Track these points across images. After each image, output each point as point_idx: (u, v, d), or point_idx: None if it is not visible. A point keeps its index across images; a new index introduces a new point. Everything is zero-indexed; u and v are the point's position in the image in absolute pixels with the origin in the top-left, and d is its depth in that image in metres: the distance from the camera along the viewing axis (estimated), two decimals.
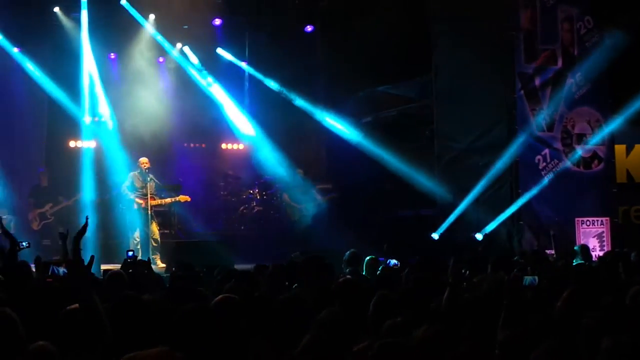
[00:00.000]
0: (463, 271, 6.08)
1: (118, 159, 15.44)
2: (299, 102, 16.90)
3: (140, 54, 16.15)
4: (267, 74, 17.15)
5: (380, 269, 8.63)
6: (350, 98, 16.96)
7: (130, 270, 7.35)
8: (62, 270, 4.38)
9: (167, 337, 4.38)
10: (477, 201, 13.74)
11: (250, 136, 17.13)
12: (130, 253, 8.24)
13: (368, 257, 9.00)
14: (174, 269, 9.85)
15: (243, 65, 17.42)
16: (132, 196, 13.90)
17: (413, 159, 15.00)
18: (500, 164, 13.53)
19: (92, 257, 3.71)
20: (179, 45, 16.82)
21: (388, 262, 9.38)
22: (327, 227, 15.74)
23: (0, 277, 5.90)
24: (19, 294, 5.65)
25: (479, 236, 13.56)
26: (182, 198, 14.39)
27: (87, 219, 3.72)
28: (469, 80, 13.85)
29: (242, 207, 17.05)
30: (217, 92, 17.11)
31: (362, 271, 8.56)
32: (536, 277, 5.66)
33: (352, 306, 5.32)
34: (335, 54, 16.64)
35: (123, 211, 14.21)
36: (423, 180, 14.63)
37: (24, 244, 7.89)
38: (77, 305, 3.61)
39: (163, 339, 4.46)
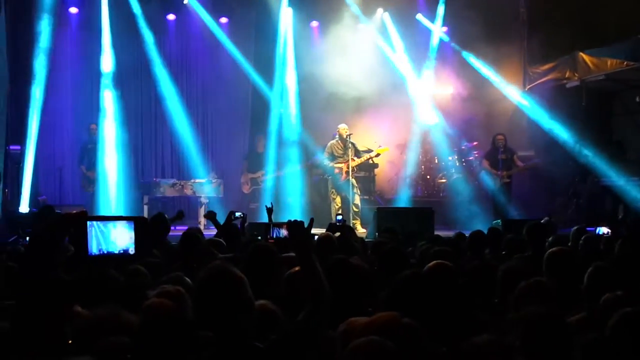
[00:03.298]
0: None
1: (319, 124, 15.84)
2: (493, 70, 16.61)
3: (342, 22, 16.36)
4: (458, 39, 16.93)
5: (583, 238, 8.31)
6: (553, 62, 16.39)
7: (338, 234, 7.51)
8: (282, 232, 4.58)
9: (381, 301, 4.48)
10: None
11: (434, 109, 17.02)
12: (340, 217, 8.42)
13: (575, 227, 8.73)
14: (376, 234, 9.96)
15: (440, 31, 17.25)
16: (332, 164, 14.21)
17: (621, 126, 14.32)
18: None
19: (312, 219, 3.82)
20: (379, 11, 16.92)
21: (597, 230, 9.02)
22: (528, 196, 15.39)
23: (221, 240, 6.34)
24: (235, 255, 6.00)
25: None
26: (382, 150, 14.55)
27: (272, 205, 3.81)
28: None
29: (440, 175, 16.96)
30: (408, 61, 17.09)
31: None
32: None
33: (562, 276, 5.18)
34: (537, 17, 16.14)
35: (325, 179, 14.61)
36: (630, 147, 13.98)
37: (237, 214, 8.42)
38: (297, 267, 3.75)
39: (372, 303, 4.57)
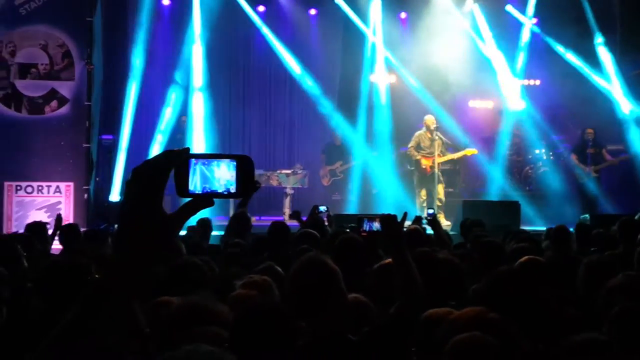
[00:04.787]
0: None
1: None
2: (584, 62, 16.29)
3: (431, 13, 16.30)
4: (552, 31, 16.63)
5: None
6: None
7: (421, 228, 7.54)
8: (375, 225, 4.64)
9: (470, 296, 4.49)
10: None
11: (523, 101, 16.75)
12: (431, 211, 8.43)
13: None
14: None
15: (530, 22, 16.98)
16: (418, 156, 14.20)
17: None
18: None
19: (405, 213, 3.86)
20: (469, 2, 16.79)
21: None
22: (618, 190, 15.07)
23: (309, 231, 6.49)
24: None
25: None
26: (469, 151, 14.46)
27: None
28: None
29: (527, 167, 16.72)
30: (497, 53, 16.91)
31: None
32: None
33: None
34: (633, 5, 15.76)
35: (410, 171, 14.61)
36: None
37: (321, 208, 8.53)
38: (389, 260, 3.80)
39: (460, 296, 4.58)
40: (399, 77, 16.58)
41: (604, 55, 16.36)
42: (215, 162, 1.69)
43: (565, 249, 7.11)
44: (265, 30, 16.57)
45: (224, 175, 1.68)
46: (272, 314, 2.87)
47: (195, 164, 1.66)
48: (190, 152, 1.67)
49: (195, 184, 1.66)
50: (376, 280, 4.24)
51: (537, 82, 17.05)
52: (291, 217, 9.21)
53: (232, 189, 1.69)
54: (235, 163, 1.71)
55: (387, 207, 13.68)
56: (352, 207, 15.26)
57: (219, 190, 1.67)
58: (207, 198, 1.65)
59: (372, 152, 16.15)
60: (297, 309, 3.23)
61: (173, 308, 3.36)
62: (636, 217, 7.91)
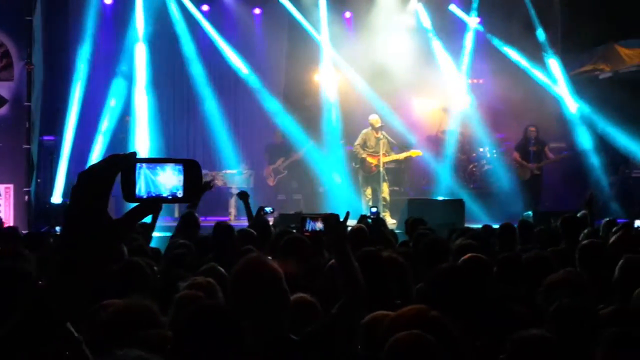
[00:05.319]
0: None
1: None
2: (527, 60, 16.54)
3: (376, 13, 16.37)
4: (495, 29, 16.85)
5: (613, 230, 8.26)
6: (588, 53, 16.29)
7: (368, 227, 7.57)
8: (318, 225, 4.62)
9: (414, 294, 4.51)
10: None
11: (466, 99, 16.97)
12: (374, 210, 8.43)
13: (606, 219, 8.72)
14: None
15: (473, 22, 17.18)
16: (364, 154, 14.25)
17: None
18: None
19: (348, 212, 3.86)
20: (413, 1, 16.91)
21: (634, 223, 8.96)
22: (559, 187, 15.32)
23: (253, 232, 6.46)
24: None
25: None
26: (414, 153, 14.56)
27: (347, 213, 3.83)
28: None
29: (472, 165, 16.90)
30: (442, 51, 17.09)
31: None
32: None
33: (594, 269, 5.20)
34: (572, 7, 16.03)
35: (355, 169, 14.65)
36: None
37: (267, 209, 8.47)
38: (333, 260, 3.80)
39: (405, 295, 4.60)
40: (346, 76, 16.61)
41: (547, 53, 16.63)
42: (161, 167, 1.67)
43: (510, 246, 7.21)
44: (210, 30, 16.48)
45: (170, 179, 1.67)
46: (217, 315, 2.84)
47: (141, 168, 1.64)
48: (137, 156, 1.65)
49: (140, 188, 1.64)
50: (325, 280, 4.24)
51: (481, 81, 17.24)
52: (238, 195, 9.09)
53: (179, 194, 1.67)
54: (182, 167, 1.69)
55: (333, 206, 13.72)
56: (298, 206, 15.25)
57: (165, 195, 1.66)
58: (153, 203, 1.63)
59: (314, 145, 16.08)
60: (239, 310, 3.22)
61: (111, 311, 3.32)
62: (578, 215, 8.04)
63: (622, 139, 14.94)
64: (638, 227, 8.72)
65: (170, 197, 1.67)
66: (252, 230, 6.79)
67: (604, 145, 15.35)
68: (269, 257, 4.03)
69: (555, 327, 3.48)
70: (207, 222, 10.74)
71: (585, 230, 7.40)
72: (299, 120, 16.23)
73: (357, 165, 14.60)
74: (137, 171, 1.64)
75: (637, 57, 15.15)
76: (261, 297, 3.18)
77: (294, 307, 3.38)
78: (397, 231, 10.60)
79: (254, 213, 8.29)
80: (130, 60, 15.60)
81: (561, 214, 7.88)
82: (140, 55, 15.57)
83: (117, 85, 15.52)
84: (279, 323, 3.21)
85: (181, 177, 1.68)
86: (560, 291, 3.98)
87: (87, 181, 1.54)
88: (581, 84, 16.11)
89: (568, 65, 16.57)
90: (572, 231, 6.95)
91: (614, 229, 7.86)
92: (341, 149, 16.15)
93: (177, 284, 4.22)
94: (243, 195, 8.59)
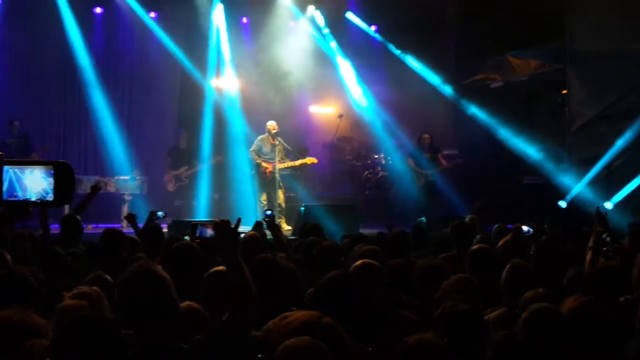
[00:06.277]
0: (604, 237, 5.89)
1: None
2: (423, 67, 16.85)
3: (273, 19, 16.36)
4: (392, 37, 17.10)
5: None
6: (481, 62, 16.69)
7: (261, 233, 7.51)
8: (209, 232, 4.55)
9: (306, 300, 4.49)
10: (608, 169, 13.26)
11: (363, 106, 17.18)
12: (269, 212, 8.35)
13: (496, 225, 8.88)
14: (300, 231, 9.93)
15: (371, 29, 17.41)
16: (258, 160, 14.17)
17: (544, 126, 14.68)
18: (634, 131, 12.95)
19: (239, 219, 3.80)
20: (310, 8, 16.97)
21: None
22: (453, 194, 15.62)
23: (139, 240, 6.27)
24: (157, 256, 5.94)
25: (562, 204, 13.32)
26: (309, 160, 14.57)
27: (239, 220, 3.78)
28: (605, 43, 13.26)
29: (367, 172, 17.04)
30: (340, 58, 17.21)
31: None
32: None
33: (484, 274, 5.29)
34: (466, 17, 16.43)
35: (251, 175, 14.55)
36: (552, 146, 14.37)
37: (159, 214, 8.25)
38: (222, 267, 3.72)
39: (298, 301, 4.57)
40: (243, 82, 16.50)
41: (440, 61, 16.96)
42: (29, 169, 1.58)
43: (403, 252, 7.25)
44: (104, 32, 16.15)
45: (38, 182, 1.58)
46: (96, 325, 2.75)
47: (8, 171, 1.55)
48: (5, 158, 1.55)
49: (6, 190, 1.54)
50: (207, 287, 4.19)
51: (378, 87, 17.40)
52: (126, 218, 8.74)
53: (49, 197, 1.58)
54: (52, 170, 1.60)
55: (229, 212, 13.60)
56: (194, 213, 15.06)
57: (33, 199, 1.57)
58: (21, 207, 1.54)
59: (216, 158, 15.95)
60: (127, 318, 3.14)
61: None
62: (466, 220, 8.18)
63: (514, 146, 15.31)
64: (527, 232, 8.94)
65: (38, 201, 1.58)
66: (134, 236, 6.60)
67: (496, 152, 15.72)
68: (159, 265, 3.93)
69: (441, 331, 3.52)
70: (99, 229, 10.49)
71: (478, 236, 7.55)
72: (197, 127, 16.08)
73: (253, 172, 14.50)
74: (4, 174, 1.55)
75: (527, 67, 15.63)
76: (149, 305, 3.11)
77: (183, 316, 3.31)
78: (291, 237, 10.57)
79: (144, 220, 8.07)
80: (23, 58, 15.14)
81: (456, 219, 8.01)
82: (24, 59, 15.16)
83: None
84: (168, 331, 3.14)
85: (51, 180, 1.60)
86: (452, 297, 4.02)
87: None
88: (473, 92, 16.48)
89: (461, 74, 16.95)
90: (461, 237, 7.06)
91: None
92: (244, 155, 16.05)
93: (62, 293, 4.08)
94: (129, 218, 8.18)
